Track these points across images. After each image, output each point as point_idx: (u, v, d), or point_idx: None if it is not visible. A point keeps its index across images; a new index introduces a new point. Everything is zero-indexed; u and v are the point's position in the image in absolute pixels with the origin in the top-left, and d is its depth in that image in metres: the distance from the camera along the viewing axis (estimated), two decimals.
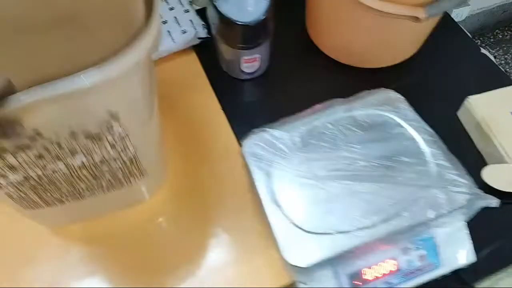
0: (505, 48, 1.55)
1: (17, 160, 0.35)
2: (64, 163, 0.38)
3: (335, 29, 0.65)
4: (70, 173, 0.40)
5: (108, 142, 0.38)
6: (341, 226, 0.45)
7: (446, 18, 0.78)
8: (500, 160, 0.57)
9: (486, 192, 0.48)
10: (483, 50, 0.74)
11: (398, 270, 0.49)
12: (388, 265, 0.49)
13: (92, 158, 0.39)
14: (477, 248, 0.50)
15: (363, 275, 0.48)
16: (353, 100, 0.55)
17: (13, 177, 0.38)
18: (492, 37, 1.58)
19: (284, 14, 0.65)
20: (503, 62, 1.51)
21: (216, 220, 0.55)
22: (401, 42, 0.66)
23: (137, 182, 0.47)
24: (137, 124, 0.40)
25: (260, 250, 0.52)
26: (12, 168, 0.36)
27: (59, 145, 0.36)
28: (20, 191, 0.41)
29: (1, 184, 0.38)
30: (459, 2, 0.55)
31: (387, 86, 0.57)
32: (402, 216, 0.46)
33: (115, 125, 0.36)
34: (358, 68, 0.68)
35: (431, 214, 0.46)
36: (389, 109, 0.53)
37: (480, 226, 0.50)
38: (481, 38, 1.56)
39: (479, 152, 0.62)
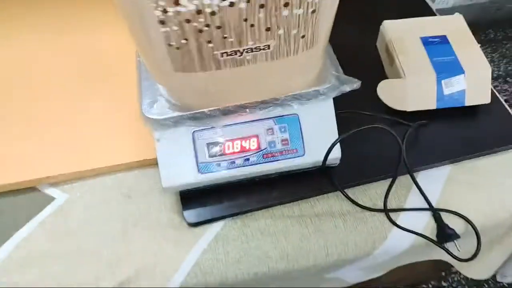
0: (494, 47, 1.52)
1: None
2: None
3: None
4: (247, 13, 0.34)
5: None
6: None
7: None
8: (398, 78, 0.57)
9: None
10: None
11: (259, 149, 0.49)
12: (250, 142, 0.49)
13: None
14: (348, 153, 0.51)
15: (221, 146, 0.48)
16: None
17: (185, 4, 0.32)
18: (483, 35, 1.56)
19: None
20: (488, 59, 1.49)
21: None
22: None
23: (301, 54, 0.40)
24: None
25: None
26: None
27: None
28: (184, 32, 0.35)
29: (168, 15, 0.33)
30: None
31: None
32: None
33: None
34: None
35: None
36: None
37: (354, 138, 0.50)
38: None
39: (386, 77, 0.62)
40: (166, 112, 0.46)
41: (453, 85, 0.55)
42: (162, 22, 0.33)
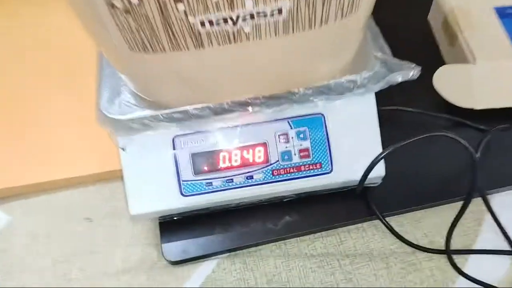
0: None
1: None
2: None
3: None
4: None
5: None
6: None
7: None
8: (464, 62, 0.42)
9: None
10: None
11: (267, 162, 0.35)
12: (254, 153, 0.35)
13: None
14: (392, 167, 0.36)
15: (213, 158, 0.34)
16: None
17: None
18: None
19: None
20: None
21: None
22: None
23: (332, 25, 0.26)
24: None
25: None
26: None
27: None
28: None
29: None
30: None
31: None
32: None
33: None
34: None
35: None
36: None
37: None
38: None
39: (443, 62, 0.46)
40: (133, 110, 0.32)
41: None
42: None
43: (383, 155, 0.33)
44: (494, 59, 0.40)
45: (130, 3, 0.21)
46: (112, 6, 0.22)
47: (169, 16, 0.23)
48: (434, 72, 0.42)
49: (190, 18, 0.23)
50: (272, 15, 0.24)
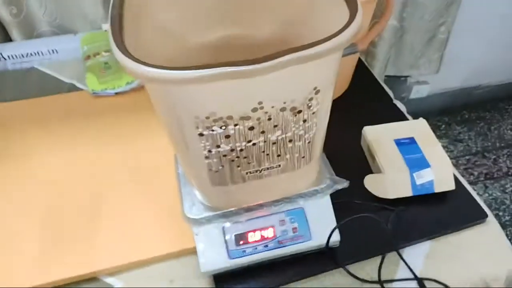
0: (470, 126, 1.71)
1: (234, 131, 0.44)
2: (264, 137, 0.47)
3: None
4: (264, 147, 0.48)
5: (303, 117, 0.46)
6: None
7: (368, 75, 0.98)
8: (380, 173, 0.72)
9: None
10: (394, 101, 0.92)
11: (275, 237, 0.62)
12: (267, 232, 0.62)
13: (285, 134, 0.48)
14: (347, 235, 0.64)
15: (245, 236, 0.61)
16: None
17: (223, 147, 0.46)
18: (459, 117, 1.75)
19: None
20: (466, 137, 1.67)
21: None
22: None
23: (302, 168, 0.54)
24: (326, 103, 0.48)
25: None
26: (227, 138, 0.45)
27: (269, 118, 0.44)
28: (221, 162, 0.48)
29: (211, 153, 0.46)
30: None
31: None
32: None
33: (314, 99, 0.45)
34: None
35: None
36: None
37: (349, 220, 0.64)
38: (449, 116, 1.73)
39: (371, 171, 0.76)
40: (202, 212, 0.60)
41: (423, 177, 0.70)
42: (206, 158, 0.49)
43: (335, 228, 0.61)
44: (394, 170, 0.70)
45: (218, 168, 0.50)
46: (210, 170, 0.51)
47: (233, 172, 0.52)
48: (365, 177, 0.72)
49: (242, 172, 0.52)
50: (276, 167, 0.54)
